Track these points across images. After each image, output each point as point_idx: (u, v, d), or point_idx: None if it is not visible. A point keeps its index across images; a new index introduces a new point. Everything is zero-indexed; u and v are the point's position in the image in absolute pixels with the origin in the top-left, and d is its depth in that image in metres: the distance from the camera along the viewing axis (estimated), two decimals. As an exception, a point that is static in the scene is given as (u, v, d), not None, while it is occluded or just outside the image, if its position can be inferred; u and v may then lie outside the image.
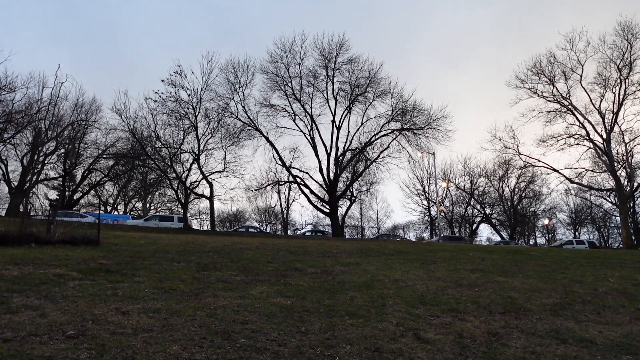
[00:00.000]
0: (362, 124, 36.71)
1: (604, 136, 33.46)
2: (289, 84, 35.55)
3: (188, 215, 32.35)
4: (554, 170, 36.36)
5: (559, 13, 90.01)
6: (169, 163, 29.91)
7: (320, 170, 36.42)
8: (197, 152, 30.08)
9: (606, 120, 33.40)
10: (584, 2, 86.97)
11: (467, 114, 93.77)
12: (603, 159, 34.24)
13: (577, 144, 34.84)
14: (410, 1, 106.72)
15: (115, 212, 46.74)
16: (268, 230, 56.41)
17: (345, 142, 36.80)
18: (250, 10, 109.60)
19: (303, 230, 53.46)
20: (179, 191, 31.50)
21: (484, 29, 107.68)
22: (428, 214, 53.81)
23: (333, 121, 36.40)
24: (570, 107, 34.10)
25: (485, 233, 63.65)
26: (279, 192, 53.57)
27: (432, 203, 52.22)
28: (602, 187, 43.66)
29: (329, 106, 36.62)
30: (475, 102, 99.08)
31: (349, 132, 36.79)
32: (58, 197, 38.98)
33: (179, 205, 34.75)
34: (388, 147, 36.36)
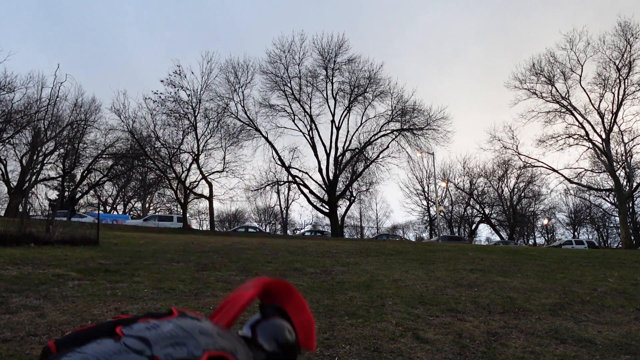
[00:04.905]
0: (361, 124, 36.79)
1: (603, 136, 33.55)
2: (288, 84, 35.58)
3: (187, 215, 32.39)
4: (553, 170, 36.46)
5: (559, 14, 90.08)
6: (169, 163, 29.96)
7: (320, 170, 36.46)
8: (196, 152, 30.13)
9: (605, 120, 33.51)
10: (582, 2, 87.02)
11: (465, 115, 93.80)
12: (602, 159, 34.29)
13: (577, 144, 34.96)
14: (399, 2, 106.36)
15: (115, 212, 46.72)
16: (267, 230, 56.39)
17: (345, 142, 36.87)
18: (248, 11, 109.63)
19: (302, 230, 53.41)
20: (178, 191, 31.52)
21: (476, 31, 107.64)
22: (427, 214, 53.84)
23: (332, 121, 36.44)
24: (569, 107, 34.18)
25: (484, 233, 63.79)
26: (278, 192, 53.58)
27: (432, 203, 52.24)
28: (602, 187, 43.70)
29: (329, 106, 36.69)
30: (473, 104, 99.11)
31: (348, 132, 36.87)
32: (59, 197, 38.93)
33: (179, 205, 34.75)
34: (387, 147, 36.43)
